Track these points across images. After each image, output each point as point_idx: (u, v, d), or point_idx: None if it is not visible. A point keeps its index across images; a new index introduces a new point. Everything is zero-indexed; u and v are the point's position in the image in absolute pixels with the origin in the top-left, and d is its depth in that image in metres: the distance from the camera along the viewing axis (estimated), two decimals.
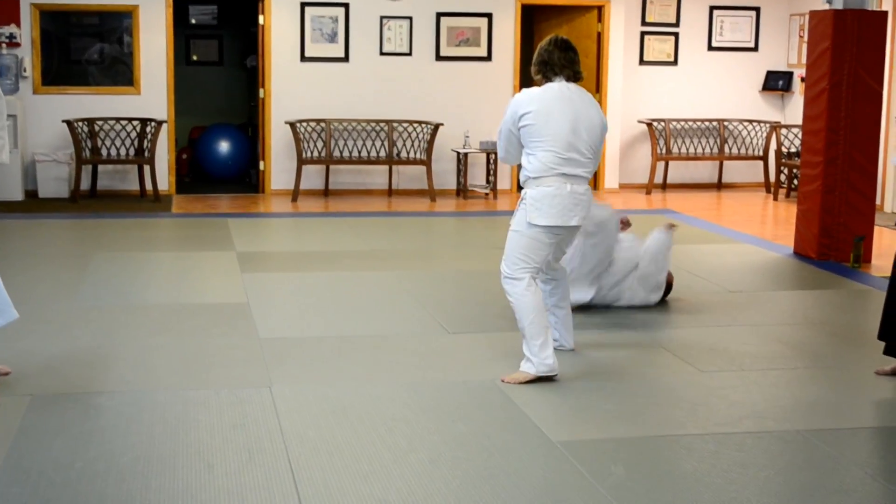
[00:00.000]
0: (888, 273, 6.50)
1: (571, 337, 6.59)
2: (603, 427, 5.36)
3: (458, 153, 13.88)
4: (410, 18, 13.88)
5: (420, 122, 13.87)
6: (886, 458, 5.27)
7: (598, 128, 6.03)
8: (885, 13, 9.96)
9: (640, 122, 14.86)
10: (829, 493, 4.67)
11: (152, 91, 13.43)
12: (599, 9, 14.54)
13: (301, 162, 13.45)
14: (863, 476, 4.93)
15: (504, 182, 14.31)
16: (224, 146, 14.97)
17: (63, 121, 12.82)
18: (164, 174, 13.45)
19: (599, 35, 14.57)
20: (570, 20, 14.59)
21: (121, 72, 13.52)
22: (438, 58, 14.07)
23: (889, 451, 5.35)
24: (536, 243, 5.93)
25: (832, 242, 9.79)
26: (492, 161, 13.84)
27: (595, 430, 5.32)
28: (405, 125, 13.86)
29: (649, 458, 4.98)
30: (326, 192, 13.83)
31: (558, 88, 6.00)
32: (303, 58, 13.76)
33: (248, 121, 15.84)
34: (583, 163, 5.93)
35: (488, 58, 14.19)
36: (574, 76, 6.09)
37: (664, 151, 14.93)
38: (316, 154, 13.70)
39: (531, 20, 14.76)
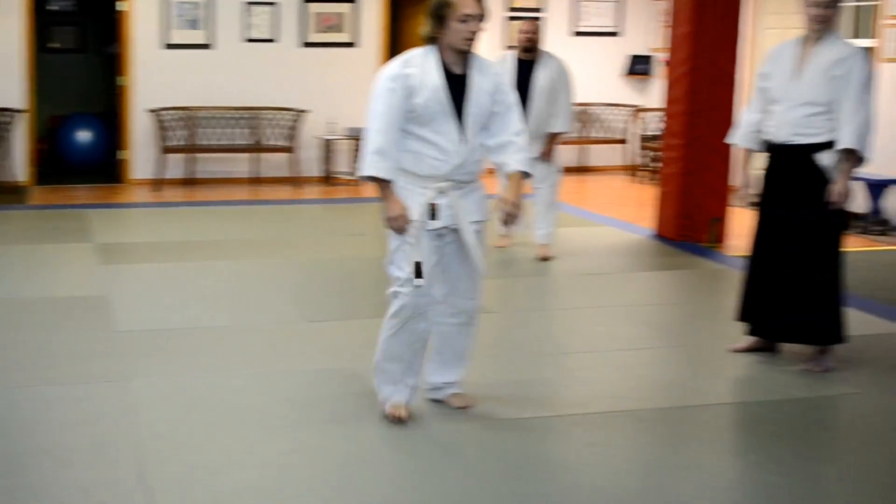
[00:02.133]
0: (743, 252, 6.62)
1: None
2: (459, 410, 5.34)
3: (324, 140, 13.81)
4: (275, 3, 13.75)
5: (285, 110, 13.74)
6: (737, 433, 5.42)
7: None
8: (738, 0, 10.13)
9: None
10: (679, 470, 4.78)
11: (7, 79, 13.06)
12: None
13: (164, 151, 13.25)
14: (713, 451, 5.05)
15: None
16: (84, 136, 14.60)
17: None
18: (21, 165, 13.12)
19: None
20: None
21: None
22: (304, 44, 13.96)
23: (740, 425, 5.50)
24: None
25: (691, 224, 9.95)
26: (357, 147, 13.76)
27: (455, 414, 5.30)
28: (270, 112, 13.73)
29: (504, 441, 4.99)
30: (190, 181, 13.63)
31: None
32: (165, 45, 13.54)
33: (109, 109, 15.53)
34: None
35: (355, 44, 14.13)
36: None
37: None
38: (179, 142, 13.51)
39: (398, 6, 14.73)
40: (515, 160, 5.10)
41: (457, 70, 4.99)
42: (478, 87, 5.00)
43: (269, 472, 4.54)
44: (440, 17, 4.90)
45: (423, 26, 5.01)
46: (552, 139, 8.98)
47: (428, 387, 5.38)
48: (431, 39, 5.01)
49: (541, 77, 8.74)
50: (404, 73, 4.93)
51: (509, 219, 5.17)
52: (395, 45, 14.43)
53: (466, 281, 5.20)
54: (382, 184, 4.95)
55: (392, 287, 5.05)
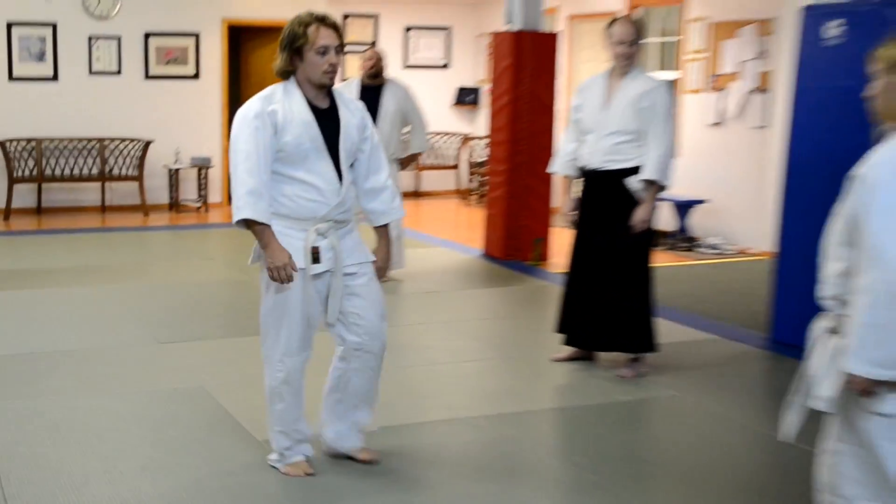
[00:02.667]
0: (562, 269, 6.75)
1: None
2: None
3: (170, 169, 13.64)
4: (119, 38, 13.53)
5: (131, 140, 13.52)
6: (561, 436, 5.51)
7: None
8: (555, 35, 10.36)
9: None
10: (511, 473, 4.83)
11: None
12: None
13: (11, 181, 12.87)
14: (541, 454, 5.14)
15: (215, 196, 14.11)
16: None
17: None
18: None
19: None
20: (272, 38, 14.52)
21: None
22: (148, 76, 13.76)
23: (564, 429, 5.60)
24: None
25: (516, 244, 10.12)
26: (203, 176, 13.65)
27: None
28: (116, 142, 13.49)
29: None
30: (39, 210, 13.29)
31: None
32: (10, 77, 13.17)
33: None
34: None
35: (197, 76, 13.99)
36: None
37: None
38: (27, 173, 13.14)
39: (238, 40, 14.64)
40: (392, 208, 4.75)
41: (321, 105, 4.50)
42: (346, 122, 4.54)
43: (128, 488, 4.48)
44: (296, 49, 4.39)
45: (277, 60, 4.47)
46: (412, 159, 9.06)
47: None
48: (287, 74, 4.49)
49: (388, 102, 8.55)
50: (269, 109, 4.38)
51: (380, 272, 4.77)
52: (237, 77, 14.36)
53: (367, 317, 4.65)
54: (259, 227, 4.35)
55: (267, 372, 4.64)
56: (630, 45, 6.10)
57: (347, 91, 7.90)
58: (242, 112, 4.39)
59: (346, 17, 14.91)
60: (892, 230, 2.95)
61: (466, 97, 15.57)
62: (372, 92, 8.50)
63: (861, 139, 3.34)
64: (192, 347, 6.85)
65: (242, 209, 4.28)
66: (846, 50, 6.51)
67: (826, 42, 6.63)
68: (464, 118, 15.75)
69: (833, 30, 6.61)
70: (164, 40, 13.74)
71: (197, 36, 13.90)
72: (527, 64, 9.96)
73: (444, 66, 15.66)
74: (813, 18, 6.76)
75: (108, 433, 5.20)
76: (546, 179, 9.75)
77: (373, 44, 15.06)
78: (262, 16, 14.17)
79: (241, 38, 14.64)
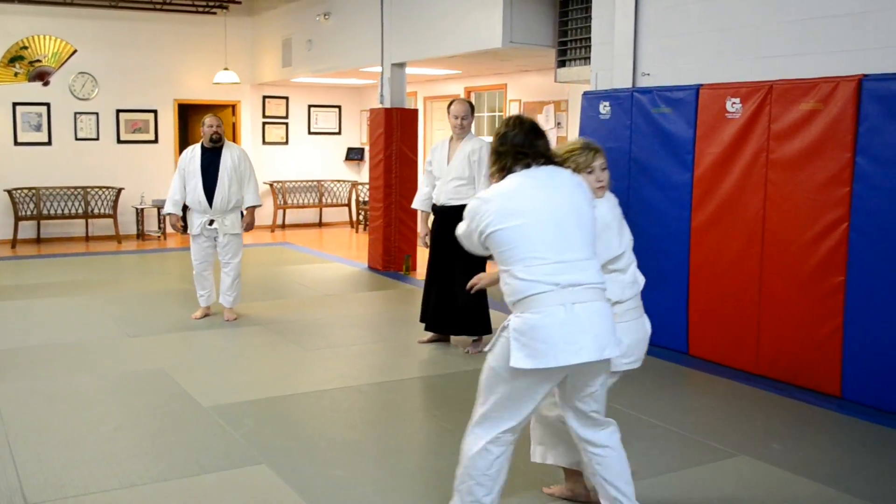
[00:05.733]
0: (423, 276, 6.78)
1: None
2: (240, 393, 5.31)
3: (137, 208, 13.30)
4: (97, 113, 13.16)
5: (107, 188, 13.16)
6: (425, 397, 5.52)
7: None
8: (416, 110, 10.45)
9: (265, 182, 14.80)
10: (389, 423, 4.87)
11: None
12: (234, 106, 14.39)
13: (17, 219, 12.43)
14: (410, 409, 5.17)
15: (171, 228, 13.75)
16: None
17: None
18: None
19: (234, 124, 14.42)
20: (214, 114, 14.25)
21: None
22: (119, 141, 13.41)
23: (426, 391, 5.61)
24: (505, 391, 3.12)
25: (392, 259, 10.15)
26: (161, 213, 13.38)
27: (234, 395, 5.25)
28: (97, 190, 13.11)
29: (274, 412, 4.98)
30: (38, 240, 12.83)
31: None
32: (15, 142, 12.71)
33: None
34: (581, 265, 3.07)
35: (156, 141, 13.67)
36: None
37: (283, 203, 14.95)
38: (29, 212, 12.69)
39: (186, 113, 14.37)
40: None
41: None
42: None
43: (106, 444, 4.38)
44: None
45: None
46: (250, 213, 7.44)
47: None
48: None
49: (227, 162, 7.18)
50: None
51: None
52: (185, 140, 14.08)
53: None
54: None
55: None
56: (464, 118, 6.20)
57: (190, 151, 7.25)
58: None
59: (264, 98, 14.76)
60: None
61: (353, 155, 15.53)
62: (213, 154, 7.23)
63: (622, 183, 3.46)
64: (154, 339, 6.70)
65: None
66: (612, 122, 6.73)
67: (600, 116, 6.83)
68: (352, 169, 15.72)
69: (603, 108, 6.82)
70: (131, 115, 13.43)
71: (155, 112, 13.62)
72: (395, 131, 10.01)
73: (337, 132, 15.62)
74: (590, 100, 6.95)
75: (90, 404, 5.08)
76: (411, 213, 9.82)
77: (284, 118, 14.98)
78: (203, 97, 13.96)
79: (189, 112, 14.37)
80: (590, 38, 7.37)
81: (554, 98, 11.11)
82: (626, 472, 3.21)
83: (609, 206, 3.46)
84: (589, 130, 6.91)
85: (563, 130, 10.99)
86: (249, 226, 7.46)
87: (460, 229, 3.24)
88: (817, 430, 4.76)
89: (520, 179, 3.11)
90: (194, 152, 7.28)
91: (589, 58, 7.47)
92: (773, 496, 3.84)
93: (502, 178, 3.16)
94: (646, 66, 6.69)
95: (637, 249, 3.56)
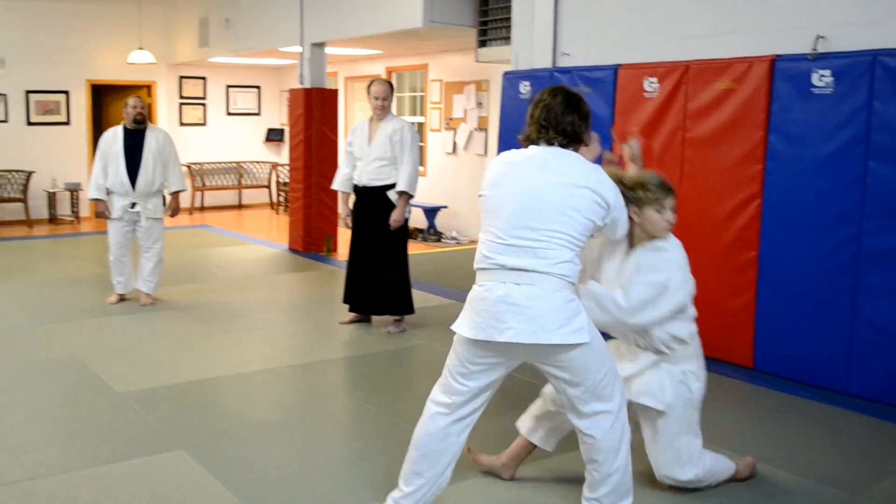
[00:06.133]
0: (345, 257, 6.71)
1: None
2: (156, 378, 5.17)
3: (49, 192, 12.86)
4: (5, 95, 12.66)
5: (17, 171, 12.69)
6: (346, 377, 5.46)
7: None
8: (336, 90, 10.32)
9: (182, 164, 14.43)
10: (309, 404, 4.80)
11: None
12: (149, 87, 14.01)
13: None
14: (331, 390, 5.12)
15: (84, 211, 13.38)
16: None
17: None
18: None
19: (150, 105, 14.03)
20: (129, 95, 13.86)
21: None
22: (29, 123, 12.93)
23: (348, 371, 5.55)
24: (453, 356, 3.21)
25: (313, 240, 10.04)
26: (74, 197, 12.97)
27: (150, 381, 5.12)
28: (5, 174, 12.63)
29: (192, 396, 4.87)
30: None
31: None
32: None
33: None
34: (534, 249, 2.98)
35: (68, 122, 13.23)
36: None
37: (201, 185, 14.65)
38: None
39: (100, 95, 13.93)
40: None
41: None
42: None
43: (16, 432, 4.21)
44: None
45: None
46: (175, 198, 7.26)
47: None
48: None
49: (151, 144, 7.00)
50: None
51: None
52: (98, 122, 13.66)
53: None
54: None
55: None
56: (384, 99, 6.13)
57: (112, 134, 7.00)
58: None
59: (181, 78, 14.41)
60: None
61: (273, 136, 15.30)
62: (136, 136, 7.00)
63: None
64: (66, 326, 6.48)
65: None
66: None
67: (520, 96, 6.84)
68: (272, 151, 15.48)
69: (524, 88, 6.82)
70: (41, 96, 12.96)
71: (67, 93, 13.16)
72: (315, 111, 9.89)
73: (257, 113, 15.35)
74: (510, 81, 6.96)
75: (0, 393, 4.88)
76: (332, 194, 9.70)
77: (202, 98, 14.66)
78: (117, 77, 13.54)
79: (103, 93, 13.94)
80: (510, 18, 7.36)
81: (475, 78, 11.10)
82: (608, 464, 3.13)
83: (681, 250, 3.40)
84: (509, 109, 6.91)
85: (484, 111, 10.99)
86: (175, 211, 7.30)
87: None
88: (731, 400, 4.87)
89: (527, 153, 3.10)
90: (116, 134, 7.06)
91: (509, 38, 7.46)
92: None
93: (526, 147, 3.15)
94: (566, 46, 6.71)
95: None
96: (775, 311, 5.25)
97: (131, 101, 7.06)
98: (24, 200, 12.64)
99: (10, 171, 12.70)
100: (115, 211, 7.04)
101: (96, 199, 7.07)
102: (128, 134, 7.03)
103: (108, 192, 7.07)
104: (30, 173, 12.70)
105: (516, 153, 3.13)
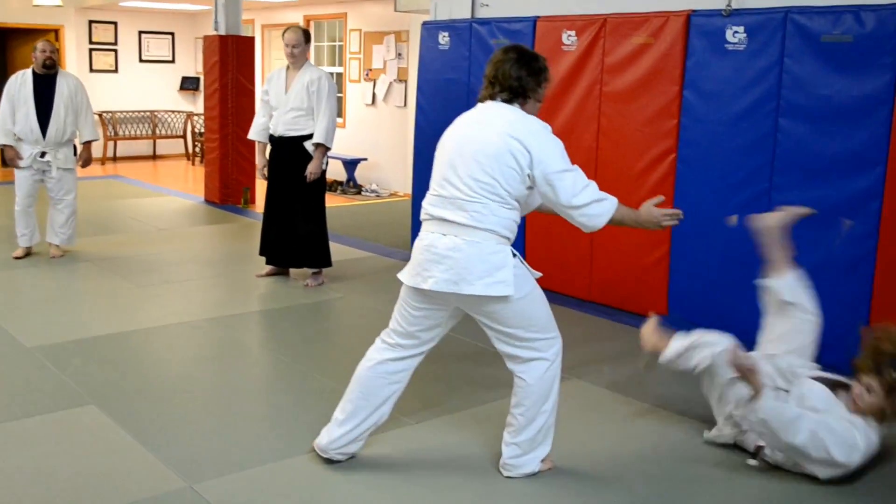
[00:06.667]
0: (262, 209, 6.61)
1: None
2: (67, 332, 5.02)
3: None
4: None
5: None
6: (263, 330, 5.41)
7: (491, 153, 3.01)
8: (253, 38, 10.06)
9: (94, 113, 13.96)
10: (225, 358, 4.74)
11: None
12: (56, 31, 13.43)
13: None
14: (248, 343, 5.05)
15: None
16: None
17: None
18: None
19: (58, 50, 13.44)
20: (35, 39, 13.27)
21: None
22: None
23: (265, 325, 5.49)
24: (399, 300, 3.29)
25: (229, 192, 9.84)
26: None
27: (61, 335, 4.97)
28: None
29: (104, 351, 4.74)
30: None
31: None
32: None
33: None
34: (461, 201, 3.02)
35: None
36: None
37: (113, 134, 14.20)
38: None
39: (4, 39, 13.30)
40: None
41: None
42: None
43: None
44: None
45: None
46: (87, 148, 6.97)
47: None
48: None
49: (63, 90, 6.72)
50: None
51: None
52: (2, 67, 13.07)
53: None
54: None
55: None
56: (294, 47, 6.00)
57: (20, 78, 6.65)
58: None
59: (91, 22, 13.87)
60: None
61: (188, 84, 14.89)
62: (46, 81, 6.70)
63: (459, 113, 3.42)
64: None
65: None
66: (451, 53, 6.69)
67: (439, 47, 6.77)
68: (187, 100, 15.07)
69: (443, 38, 6.76)
70: None
71: None
72: (231, 60, 9.63)
73: (171, 61, 14.90)
74: (429, 31, 6.88)
75: None
76: (249, 145, 9.50)
77: (113, 44, 14.15)
78: (22, 20, 12.95)
79: (7, 38, 13.32)
80: None
81: (394, 28, 10.96)
82: (535, 408, 3.17)
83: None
84: (428, 60, 6.84)
85: (404, 62, 10.88)
86: (87, 162, 7.00)
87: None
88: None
89: (472, 111, 3.18)
90: (24, 78, 6.70)
91: None
92: (608, 415, 3.99)
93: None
94: None
95: None
96: (688, 263, 5.36)
97: (40, 44, 6.73)
98: None
99: None
100: (24, 160, 6.74)
101: (4, 146, 6.73)
102: (37, 79, 6.71)
103: (17, 139, 6.77)
104: None
105: (466, 113, 3.20)
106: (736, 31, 5.01)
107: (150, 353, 4.77)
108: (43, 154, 6.74)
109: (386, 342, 3.31)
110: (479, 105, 3.16)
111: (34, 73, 6.73)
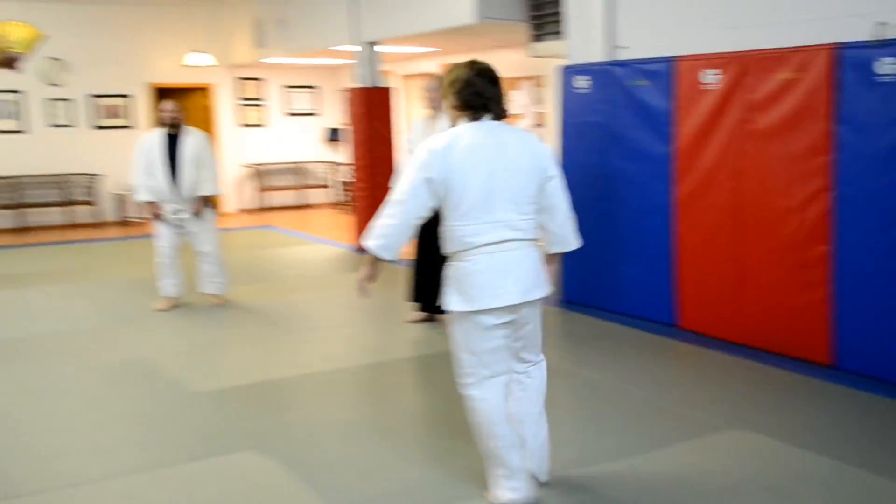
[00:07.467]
0: (410, 256, 6.75)
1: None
2: (225, 379, 5.24)
3: (118, 194, 13.19)
4: (73, 99, 13.04)
5: (85, 174, 13.06)
6: (416, 377, 5.49)
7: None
8: (388, 88, 10.35)
9: (243, 165, 14.70)
10: (380, 402, 4.86)
11: None
12: (206, 89, 14.24)
13: None
14: (401, 389, 5.14)
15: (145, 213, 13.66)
16: None
17: None
18: None
19: (207, 107, 14.28)
20: (188, 97, 14.15)
21: None
22: (95, 127, 13.28)
23: (417, 371, 5.57)
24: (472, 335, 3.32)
25: None
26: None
27: (220, 381, 5.20)
28: (74, 177, 13.01)
29: (260, 396, 4.93)
30: (18, 230, 12.69)
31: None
32: None
33: None
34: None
35: (132, 126, 13.54)
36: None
37: (263, 186, 14.86)
38: (7, 202, 12.57)
39: (160, 97, 14.20)
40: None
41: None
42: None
43: (97, 432, 4.34)
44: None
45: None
46: (204, 201, 7.15)
47: None
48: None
49: (188, 148, 7.01)
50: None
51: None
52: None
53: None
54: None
55: None
56: (430, 91, 6.16)
57: (151, 140, 7.00)
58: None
59: (239, 79, 14.62)
60: None
61: (334, 135, 15.44)
62: (172, 140, 7.00)
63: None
64: (138, 327, 6.59)
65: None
66: (590, 97, 6.69)
67: (578, 91, 6.80)
68: (333, 150, 15.62)
69: (581, 82, 6.78)
70: (105, 100, 13.35)
71: (130, 96, 13.51)
72: (375, 110, 9.95)
73: (315, 114, 15.50)
74: (568, 75, 6.91)
75: (80, 392, 5.09)
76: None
77: (259, 100, 14.83)
78: (175, 80, 13.81)
79: (163, 96, 14.15)
80: (562, 12, 7.32)
81: (529, 73, 11.06)
82: (535, 408, 3.47)
83: None
84: (568, 104, 6.87)
85: (541, 106, 10.94)
86: (199, 212, 7.13)
87: (399, 180, 3.34)
88: (806, 398, 4.76)
89: (467, 133, 3.28)
90: (157, 137, 7.00)
91: (562, 32, 7.42)
92: (769, 467, 3.85)
93: (455, 122, 3.38)
94: (622, 39, 6.66)
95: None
96: (857, 306, 5.09)
97: (168, 105, 7.00)
98: (91, 203, 12.98)
99: (77, 174, 13.06)
100: (166, 214, 7.08)
101: (150, 202, 7.05)
102: (167, 138, 7.00)
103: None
104: (96, 176, 13.06)
105: (458, 134, 3.33)
106: (887, 63, 4.82)
107: (307, 398, 4.92)
108: (178, 210, 7.08)
109: (486, 385, 3.34)
110: (483, 124, 3.32)
111: (163, 133, 7.00)
